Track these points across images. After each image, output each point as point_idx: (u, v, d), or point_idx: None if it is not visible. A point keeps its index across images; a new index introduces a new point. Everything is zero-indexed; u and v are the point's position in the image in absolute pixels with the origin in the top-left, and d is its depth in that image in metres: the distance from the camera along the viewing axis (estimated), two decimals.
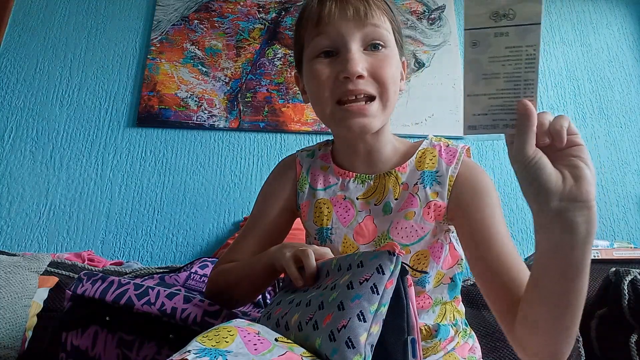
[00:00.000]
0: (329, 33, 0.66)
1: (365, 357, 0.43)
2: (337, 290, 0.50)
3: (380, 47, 0.66)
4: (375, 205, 0.72)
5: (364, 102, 0.65)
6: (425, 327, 0.69)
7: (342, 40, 0.65)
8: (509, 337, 0.58)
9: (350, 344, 0.43)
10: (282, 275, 0.67)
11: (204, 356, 0.39)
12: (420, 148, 0.73)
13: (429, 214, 0.69)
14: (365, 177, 0.74)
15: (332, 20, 0.65)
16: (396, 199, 0.71)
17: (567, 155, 0.45)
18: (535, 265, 0.50)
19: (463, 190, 0.68)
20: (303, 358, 0.43)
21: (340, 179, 0.75)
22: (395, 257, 0.49)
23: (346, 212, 0.73)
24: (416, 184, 0.70)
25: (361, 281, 0.48)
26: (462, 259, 0.73)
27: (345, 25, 0.65)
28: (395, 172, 0.72)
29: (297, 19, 0.74)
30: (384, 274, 0.48)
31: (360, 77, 0.64)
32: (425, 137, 0.76)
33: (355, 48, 0.65)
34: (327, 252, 0.62)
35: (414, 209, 0.69)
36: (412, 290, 0.52)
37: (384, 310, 0.47)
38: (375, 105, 0.66)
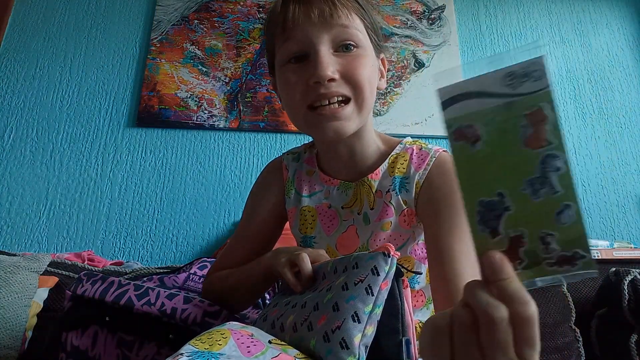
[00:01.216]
0: (295, 37, 0.63)
1: (359, 357, 0.43)
2: (332, 292, 0.50)
3: (352, 48, 0.63)
4: (358, 214, 0.70)
5: (337, 105, 0.62)
6: (420, 324, 0.69)
7: (309, 43, 0.62)
8: None
9: (344, 344, 0.43)
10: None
11: (197, 359, 0.39)
12: (392, 153, 0.70)
13: (405, 221, 0.67)
14: (348, 185, 0.71)
15: (297, 24, 0.62)
16: (372, 209, 0.69)
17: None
18: None
19: (427, 199, 0.65)
20: (296, 359, 0.44)
21: (325, 186, 0.73)
22: (390, 259, 0.49)
23: (330, 221, 0.72)
24: (389, 190, 0.68)
25: (356, 282, 0.48)
26: None
27: (311, 28, 0.62)
28: (368, 180, 0.70)
29: (265, 25, 0.70)
30: (378, 275, 0.48)
31: (331, 80, 0.61)
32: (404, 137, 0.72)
33: (324, 51, 0.61)
34: (322, 255, 0.62)
35: (390, 219, 0.67)
36: (407, 292, 0.52)
37: (378, 311, 0.47)
38: (349, 108, 0.62)
